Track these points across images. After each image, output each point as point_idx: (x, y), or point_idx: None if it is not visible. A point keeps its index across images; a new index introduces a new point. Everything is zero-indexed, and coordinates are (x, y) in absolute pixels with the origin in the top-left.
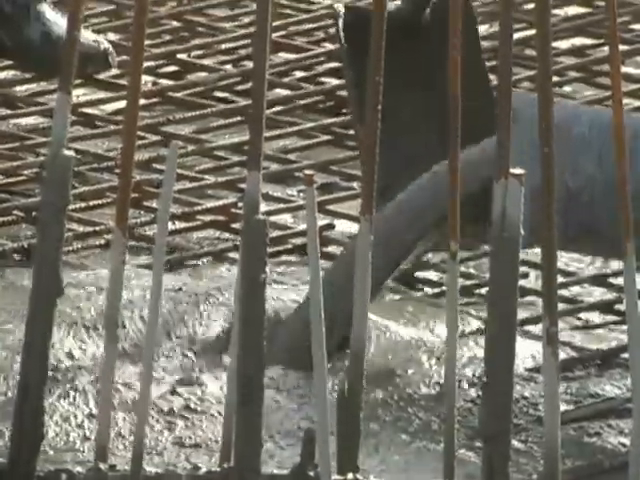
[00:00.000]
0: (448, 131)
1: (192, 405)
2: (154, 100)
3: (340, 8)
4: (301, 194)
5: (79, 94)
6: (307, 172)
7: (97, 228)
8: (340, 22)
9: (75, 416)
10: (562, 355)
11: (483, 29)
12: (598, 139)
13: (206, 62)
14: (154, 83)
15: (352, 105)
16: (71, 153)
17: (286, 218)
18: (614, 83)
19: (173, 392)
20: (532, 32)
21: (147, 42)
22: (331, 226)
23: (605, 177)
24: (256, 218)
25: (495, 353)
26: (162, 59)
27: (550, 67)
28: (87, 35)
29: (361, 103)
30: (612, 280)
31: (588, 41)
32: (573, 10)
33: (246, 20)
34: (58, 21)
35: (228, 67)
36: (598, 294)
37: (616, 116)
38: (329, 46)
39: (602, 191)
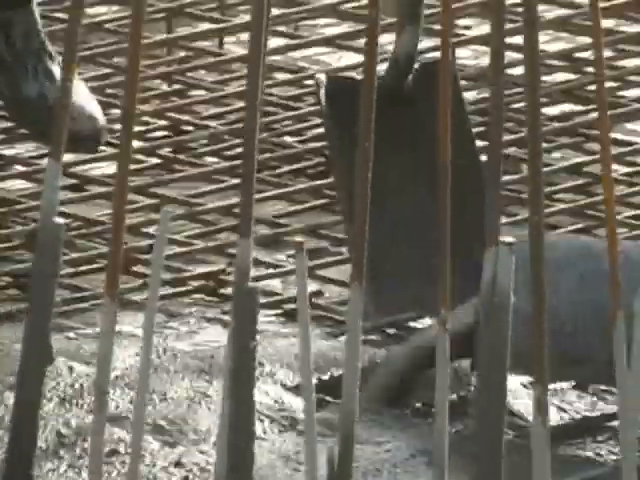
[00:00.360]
0: (436, 192)
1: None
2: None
3: (322, 77)
4: (290, 259)
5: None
6: (297, 239)
7: (85, 294)
8: (322, 92)
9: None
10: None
11: (471, 95)
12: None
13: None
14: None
15: (335, 173)
16: (61, 221)
17: (275, 284)
18: (603, 149)
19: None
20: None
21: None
22: (320, 293)
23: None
24: (247, 286)
25: (484, 424)
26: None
27: (540, 143)
28: (83, 101)
29: (344, 170)
30: None
31: (577, 107)
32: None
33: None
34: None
35: (218, 126)
36: None
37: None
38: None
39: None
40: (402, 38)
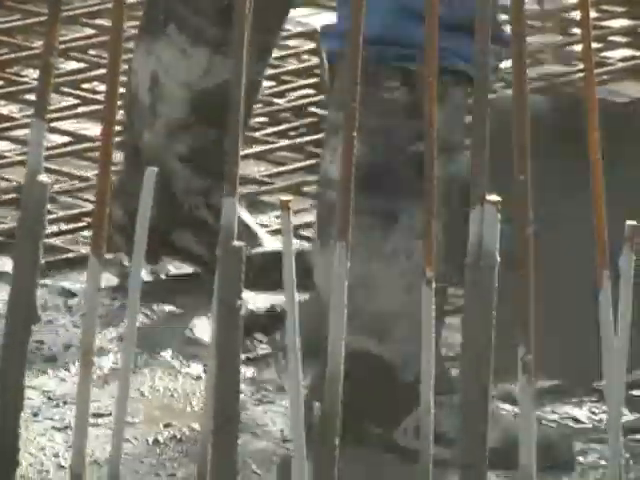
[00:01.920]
0: None
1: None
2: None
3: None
4: (276, 219)
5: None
6: (283, 198)
7: (70, 255)
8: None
9: (52, 447)
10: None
11: None
12: None
13: None
14: None
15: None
16: (47, 179)
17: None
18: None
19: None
20: None
21: None
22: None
23: None
24: (232, 245)
25: (469, 384)
26: None
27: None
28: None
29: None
30: None
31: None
32: None
33: None
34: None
35: None
36: None
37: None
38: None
39: None
40: None
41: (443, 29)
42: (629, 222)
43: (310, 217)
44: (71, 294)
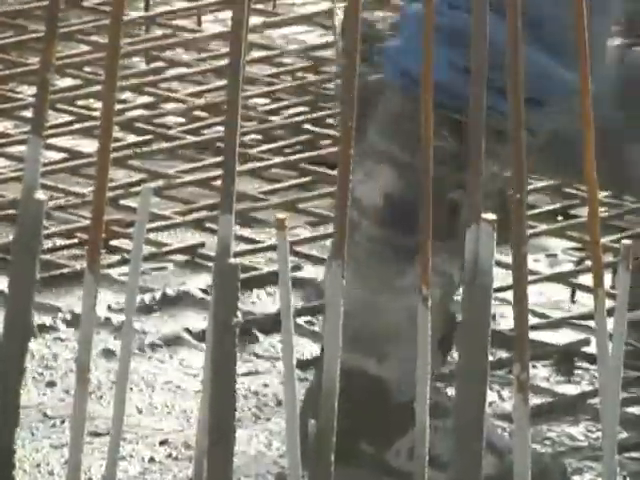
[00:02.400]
0: None
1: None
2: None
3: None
4: (271, 236)
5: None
6: (279, 215)
7: (65, 271)
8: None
9: (47, 463)
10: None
11: None
12: None
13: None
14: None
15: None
16: (43, 196)
17: (256, 259)
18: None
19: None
20: None
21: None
22: (298, 267)
23: None
24: (228, 262)
25: (465, 400)
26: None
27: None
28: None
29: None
30: (582, 322)
31: None
32: None
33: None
34: None
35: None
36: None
37: None
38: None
39: None
40: None
41: (494, 91)
42: (624, 241)
43: (306, 233)
44: (68, 311)
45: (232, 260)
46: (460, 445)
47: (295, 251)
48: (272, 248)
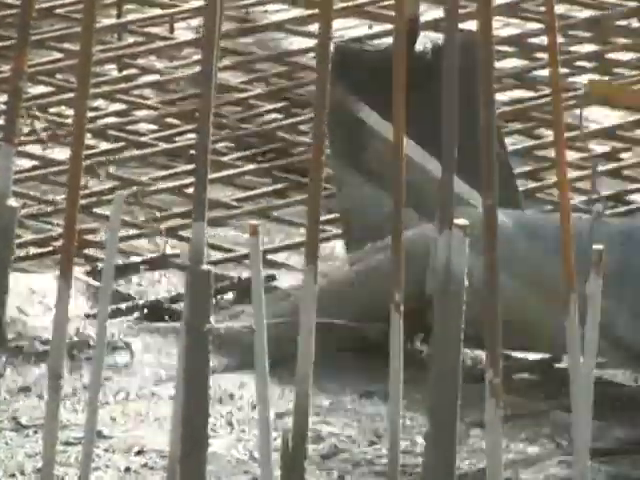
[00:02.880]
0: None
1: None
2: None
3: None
4: (244, 243)
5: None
6: (252, 222)
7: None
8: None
9: (22, 472)
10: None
11: None
12: None
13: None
14: None
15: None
16: (16, 204)
17: (228, 266)
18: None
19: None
20: None
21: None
22: (272, 277)
23: None
24: (201, 269)
25: (439, 404)
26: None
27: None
28: None
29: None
30: None
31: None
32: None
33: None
34: None
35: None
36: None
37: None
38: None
39: None
40: None
41: None
42: (595, 246)
43: (277, 240)
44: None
45: (205, 267)
46: (435, 450)
47: (268, 259)
48: (245, 257)
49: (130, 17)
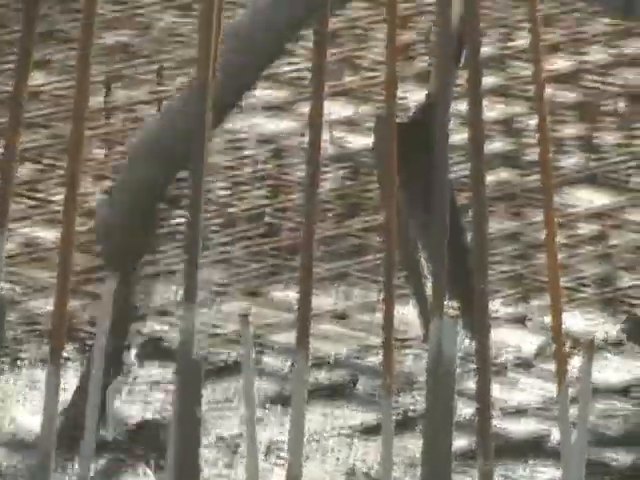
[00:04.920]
0: None
1: None
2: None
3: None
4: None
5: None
6: (241, 312)
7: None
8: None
9: None
10: None
11: None
12: None
13: None
14: None
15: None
16: (8, 291)
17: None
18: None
19: None
20: None
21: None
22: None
23: None
24: (192, 358)
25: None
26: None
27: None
28: None
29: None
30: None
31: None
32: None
33: None
34: None
35: None
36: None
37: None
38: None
39: None
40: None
41: None
42: (588, 337)
43: (268, 320)
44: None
45: (195, 355)
46: None
47: (260, 343)
48: (236, 342)
49: (118, 97)
